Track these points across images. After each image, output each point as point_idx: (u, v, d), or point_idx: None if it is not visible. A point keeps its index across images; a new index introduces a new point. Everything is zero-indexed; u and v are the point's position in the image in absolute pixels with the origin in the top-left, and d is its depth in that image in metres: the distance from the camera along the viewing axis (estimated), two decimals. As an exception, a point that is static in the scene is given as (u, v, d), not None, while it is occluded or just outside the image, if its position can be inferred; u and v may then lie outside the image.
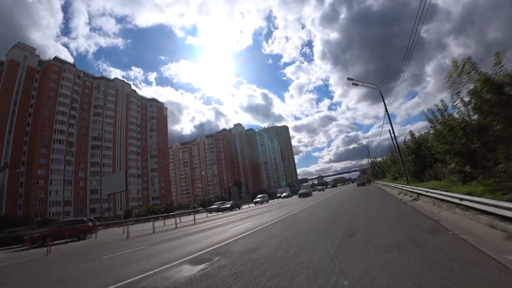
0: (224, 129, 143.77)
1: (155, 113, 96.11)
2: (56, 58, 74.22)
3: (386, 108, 21.14)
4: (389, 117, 20.69)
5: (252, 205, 49.92)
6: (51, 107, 68.14)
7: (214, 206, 45.60)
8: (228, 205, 39.45)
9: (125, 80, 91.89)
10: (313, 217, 12.14)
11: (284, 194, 69.25)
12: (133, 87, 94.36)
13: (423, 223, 7.26)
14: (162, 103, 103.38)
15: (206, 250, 7.84)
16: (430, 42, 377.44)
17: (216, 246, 8.28)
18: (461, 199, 7.17)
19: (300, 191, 50.20)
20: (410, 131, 23.38)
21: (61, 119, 69.51)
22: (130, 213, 64.71)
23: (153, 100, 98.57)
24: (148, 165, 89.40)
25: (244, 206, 46.36)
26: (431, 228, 6.52)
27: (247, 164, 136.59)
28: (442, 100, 11.69)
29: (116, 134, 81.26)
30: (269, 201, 55.75)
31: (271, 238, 8.42)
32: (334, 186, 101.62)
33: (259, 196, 57.58)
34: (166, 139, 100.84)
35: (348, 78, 23.22)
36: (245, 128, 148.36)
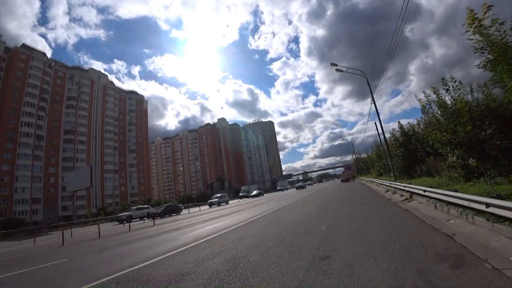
0: (207, 124, 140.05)
1: (134, 106, 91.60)
2: (24, 46, 68.76)
3: (372, 96, 18.96)
4: (375, 106, 18.53)
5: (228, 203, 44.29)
6: (17, 98, 63.03)
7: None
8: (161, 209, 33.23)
9: (101, 71, 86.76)
10: (280, 224, 9.66)
11: (254, 192, 60.56)
12: (115, 80, 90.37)
13: (430, 240, 4.87)
14: (142, 96, 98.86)
15: (117, 275, 5.49)
16: (414, 42, 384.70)
17: (139, 266, 5.99)
18: (487, 205, 4.83)
19: (297, 184, 72.81)
20: (399, 121, 21.19)
21: (29, 111, 64.49)
22: (104, 210, 60.92)
23: (132, 93, 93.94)
24: (127, 160, 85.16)
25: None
26: (448, 252, 4.15)
27: (230, 160, 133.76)
28: (443, 79, 9.38)
29: (91, 128, 76.63)
30: (248, 199, 51.62)
31: (216, 255, 5.93)
32: (320, 181, 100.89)
33: (215, 196, 48.56)
34: (146, 134, 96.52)
35: (331, 64, 21.02)
36: (230, 123, 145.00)
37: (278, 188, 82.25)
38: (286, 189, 76.84)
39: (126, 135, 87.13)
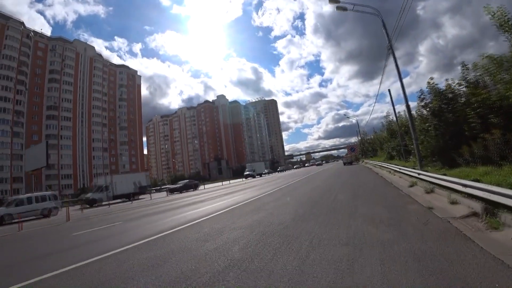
0: (206, 101, 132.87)
1: (125, 81, 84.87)
2: (-1, 13, 61.67)
3: (390, 41, 12.44)
4: (393, 55, 12.07)
5: (227, 182, 44.78)
6: (-9, 70, 56.97)
7: (168, 187, 41.95)
8: (180, 185, 32.15)
9: (102, 48, 79.65)
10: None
11: (265, 171, 65.63)
12: (116, 58, 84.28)
13: None
14: (135, 70, 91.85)
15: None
16: (426, 21, 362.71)
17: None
18: None
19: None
20: (430, 79, 13.52)
21: (6, 84, 58.52)
22: (86, 190, 56.08)
23: (123, 67, 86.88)
24: (117, 137, 79.73)
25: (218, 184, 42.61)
26: None
27: (230, 139, 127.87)
28: None
29: (77, 103, 70.64)
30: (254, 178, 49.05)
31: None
32: (319, 164, 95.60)
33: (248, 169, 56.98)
34: (139, 110, 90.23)
35: (329, 1, 14.45)
36: (230, 101, 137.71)
37: (278, 170, 78.07)
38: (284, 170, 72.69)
39: (117, 111, 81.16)
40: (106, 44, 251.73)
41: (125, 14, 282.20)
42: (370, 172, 21.34)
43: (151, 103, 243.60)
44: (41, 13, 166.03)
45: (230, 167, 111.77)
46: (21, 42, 62.78)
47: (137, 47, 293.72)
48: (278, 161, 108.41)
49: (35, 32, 68.50)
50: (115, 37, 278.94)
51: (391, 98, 19.92)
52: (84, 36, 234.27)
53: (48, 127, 64.64)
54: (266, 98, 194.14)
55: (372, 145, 45.31)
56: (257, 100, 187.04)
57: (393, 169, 15.23)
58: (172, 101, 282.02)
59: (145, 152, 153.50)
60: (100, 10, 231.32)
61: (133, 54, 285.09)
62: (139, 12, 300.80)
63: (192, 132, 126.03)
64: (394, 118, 20.32)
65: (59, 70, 68.35)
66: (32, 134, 62.37)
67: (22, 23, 64.95)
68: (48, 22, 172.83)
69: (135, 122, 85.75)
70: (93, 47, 79.08)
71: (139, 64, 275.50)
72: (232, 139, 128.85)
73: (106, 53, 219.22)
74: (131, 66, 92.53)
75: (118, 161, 78.25)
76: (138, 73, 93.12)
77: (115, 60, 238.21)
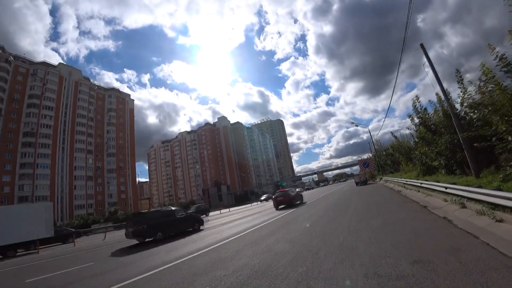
0: (207, 123, 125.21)
1: (115, 105, 78.10)
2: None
3: None
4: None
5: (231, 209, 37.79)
6: (-43, 96, 50.86)
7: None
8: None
9: (72, 66, 74.02)
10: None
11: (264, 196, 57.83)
12: (126, 89, 78.86)
13: None
14: (127, 94, 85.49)
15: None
16: (427, 32, 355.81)
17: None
18: None
19: None
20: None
21: (-25, 110, 52.20)
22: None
23: (113, 90, 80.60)
24: (104, 165, 71.69)
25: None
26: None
27: (233, 162, 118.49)
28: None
29: (58, 129, 63.59)
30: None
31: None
32: (318, 184, 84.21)
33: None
34: (132, 135, 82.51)
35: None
36: (231, 122, 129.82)
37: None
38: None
39: (105, 137, 73.74)
40: (117, 76, 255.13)
41: (133, 47, 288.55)
42: (403, 199, 11.41)
43: (162, 131, 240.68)
44: (55, 50, 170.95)
45: (232, 192, 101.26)
46: (-1, 67, 57.38)
47: (145, 78, 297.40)
48: (282, 185, 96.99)
49: (17, 57, 63.41)
50: (125, 69, 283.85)
51: (426, 55, 10.50)
52: (96, 69, 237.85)
53: (23, 155, 57.20)
54: (271, 119, 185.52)
55: (390, 157, 34.76)
56: (262, 121, 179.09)
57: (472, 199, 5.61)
58: (182, 128, 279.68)
59: (147, 179, 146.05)
60: (110, 44, 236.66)
61: (142, 84, 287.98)
62: (147, 44, 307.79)
63: (193, 156, 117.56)
64: (442, 96, 10.65)
65: (39, 94, 62.12)
66: (5, 163, 54.99)
67: (2, 47, 59.93)
68: (62, 58, 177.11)
69: (125, 148, 77.90)
70: (80, 71, 73.41)
71: (148, 94, 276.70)
72: (236, 162, 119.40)
73: (116, 85, 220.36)
74: (138, 95, 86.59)
75: (105, 190, 69.57)
76: (132, 97, 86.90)
77: (126, 90, 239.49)
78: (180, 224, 13.75)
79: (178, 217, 13.64)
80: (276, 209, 19.19)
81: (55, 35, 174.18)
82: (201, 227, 15.08)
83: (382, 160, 41.02)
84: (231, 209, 45.39)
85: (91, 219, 50.72)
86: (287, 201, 19.78)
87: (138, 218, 12.82)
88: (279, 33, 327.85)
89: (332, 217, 10.04)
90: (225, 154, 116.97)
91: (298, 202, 21.13)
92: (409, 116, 16.36)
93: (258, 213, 20.21)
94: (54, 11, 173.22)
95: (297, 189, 33.32)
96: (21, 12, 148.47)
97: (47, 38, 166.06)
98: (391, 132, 23.58)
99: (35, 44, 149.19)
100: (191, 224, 14.52)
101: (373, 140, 45.12)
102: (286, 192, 20.52)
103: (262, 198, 56.94)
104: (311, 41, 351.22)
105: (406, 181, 14.73)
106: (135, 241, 12.68)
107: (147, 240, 12.08)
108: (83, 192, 64.09)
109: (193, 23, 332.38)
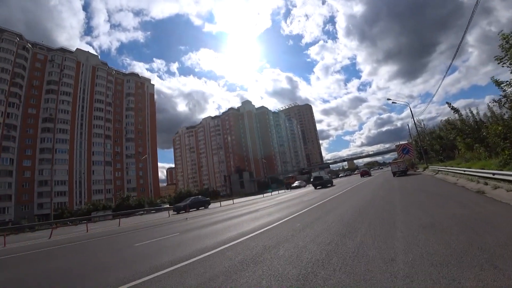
0: (231, 108, 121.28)
1: (133, 89, 76.83)
2: (-5, 26, 57.55)
3: None
4: None
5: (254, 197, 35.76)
6: (-23, 83, 51.70)
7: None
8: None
9: (144, 71, 74.01)
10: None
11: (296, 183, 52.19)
12: (156, 79, 76.79)
13: None
14: (147, 79, 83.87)
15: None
16: (472, 7, 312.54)
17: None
18: None
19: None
20: None
21: (-4, 97, 52.92)
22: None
23: (131, 75, 79.28)
24: (123, 150, 71.05)
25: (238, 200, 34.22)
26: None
27: (257, 148, 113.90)
28: None
29: (76, 115, 63.42)
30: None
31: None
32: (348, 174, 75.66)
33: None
34: (153, 120, 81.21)
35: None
36: (256, 107, 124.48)
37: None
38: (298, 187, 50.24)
39: (123, 122, 72.95)
40: (147, 66, 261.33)
41: (161, 37, 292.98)
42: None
43: (192, 119, 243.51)
44: (90, 44, 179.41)
45: (255, 179, 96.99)
46: (16, 54, 57.66)
47: (174, 67, 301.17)
48: (308, 171, 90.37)
49: (35, 44, 63.64)
50: (154, 59, 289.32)
51: None
52: (127, 60, 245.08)
53: (42, 141, 57.73)
54: (299, 103, 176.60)
55: (438, 140, 26.84)
56: (289, 106, 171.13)
57: None
58: (211, 115, 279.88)
59: (173, 165, 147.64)
60: (139, 35, 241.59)
61: (171, 73, 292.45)
62: (174, 33, 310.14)
63: (217, 142, 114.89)
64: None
65: (56, 80, 62.06)
66: (26, 149, 55.84)
67: (19, 35, 60.24)
68: (96, 51, 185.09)
69: (145, 134, 76.61)
70: (97, 56, 72.70)
71: (177, 82, 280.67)
72: (260, 148, 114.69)
73: (147, 74, 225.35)
74: (168, 83, 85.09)
75: (124, 175, 69.03)
76: (152, 82, 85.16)
77: (155, 81, 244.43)
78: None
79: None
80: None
81: (88, 30, 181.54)
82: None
83: (427, 145, 33.05)
84: (236, 200, 37.01)
85: (101, 205, 49.48)
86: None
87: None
88: (306, 15, 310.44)
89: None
90: (249, 140, 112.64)
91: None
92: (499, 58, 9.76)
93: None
94: (86, 6, 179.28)
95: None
96: (57, 9, 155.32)
97: (82, 33, 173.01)
98: (447, 102, 16.06)
99: (71, 39, 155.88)
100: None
101: (415, 120, 36.45)
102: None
103: (294, 184, 51.60)
104: (341, 23, 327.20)
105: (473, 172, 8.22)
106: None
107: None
108: (101, 177, 63.91)
109: (218, 9, 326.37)
